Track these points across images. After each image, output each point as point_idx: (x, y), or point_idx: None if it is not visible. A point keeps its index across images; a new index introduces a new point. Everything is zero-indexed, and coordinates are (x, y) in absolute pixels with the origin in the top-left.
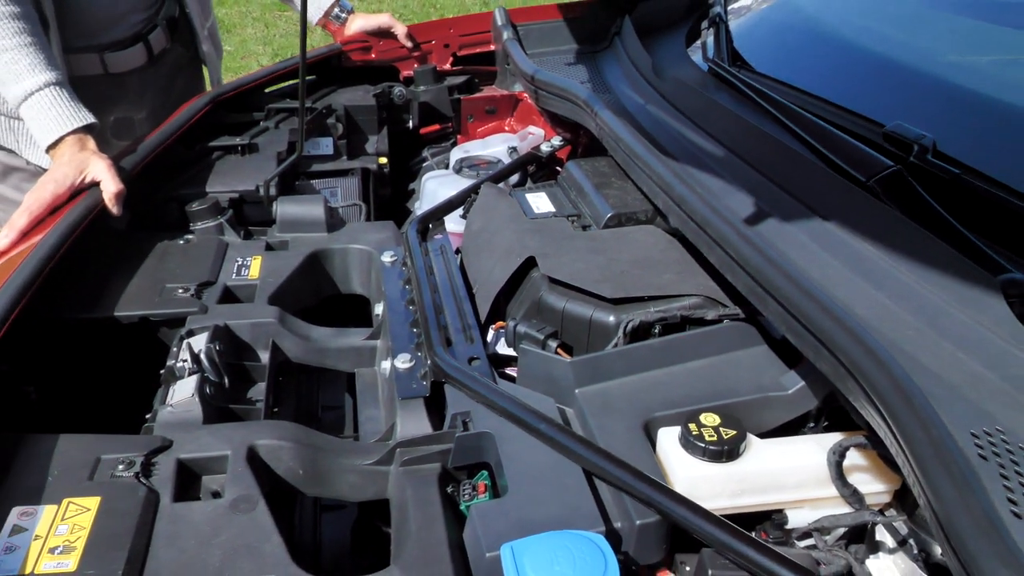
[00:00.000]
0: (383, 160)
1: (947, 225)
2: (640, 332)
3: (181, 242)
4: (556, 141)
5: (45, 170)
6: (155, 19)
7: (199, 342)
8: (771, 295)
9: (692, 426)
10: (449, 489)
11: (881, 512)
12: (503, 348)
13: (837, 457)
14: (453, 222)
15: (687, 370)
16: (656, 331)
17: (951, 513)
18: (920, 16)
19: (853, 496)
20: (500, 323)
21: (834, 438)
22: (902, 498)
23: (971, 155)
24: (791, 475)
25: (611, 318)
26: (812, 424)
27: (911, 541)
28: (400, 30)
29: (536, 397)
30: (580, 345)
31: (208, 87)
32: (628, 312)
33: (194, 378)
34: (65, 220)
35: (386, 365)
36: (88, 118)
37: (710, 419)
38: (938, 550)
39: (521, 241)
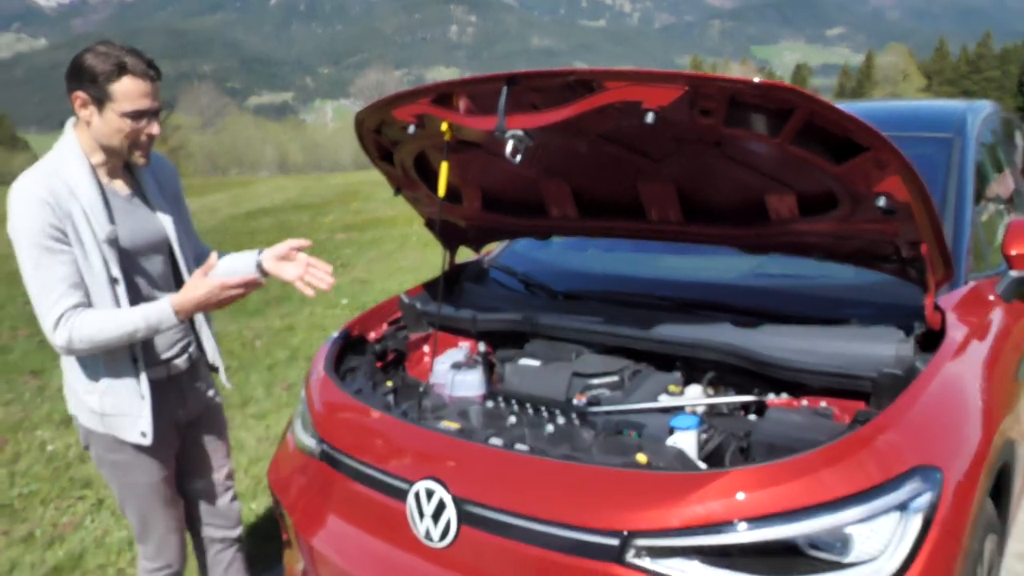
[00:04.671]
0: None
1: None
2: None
3: None
4: (482, 346)
5: None
6: (190, 339)
7: None
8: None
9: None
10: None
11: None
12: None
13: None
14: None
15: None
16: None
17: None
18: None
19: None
20: (580, 395)
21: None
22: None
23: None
24: None
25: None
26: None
27: None
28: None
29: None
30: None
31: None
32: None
33: None
34: None
35: (549, 427)
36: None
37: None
38: None
39: (559, 371)
